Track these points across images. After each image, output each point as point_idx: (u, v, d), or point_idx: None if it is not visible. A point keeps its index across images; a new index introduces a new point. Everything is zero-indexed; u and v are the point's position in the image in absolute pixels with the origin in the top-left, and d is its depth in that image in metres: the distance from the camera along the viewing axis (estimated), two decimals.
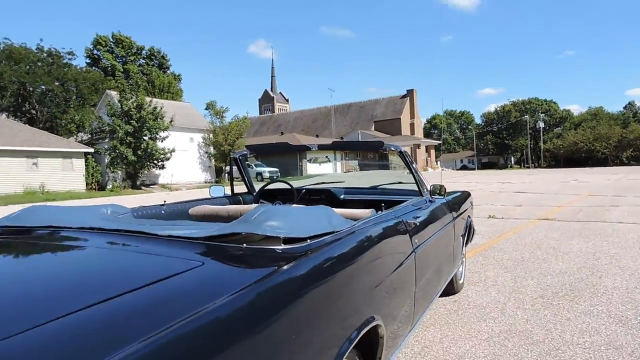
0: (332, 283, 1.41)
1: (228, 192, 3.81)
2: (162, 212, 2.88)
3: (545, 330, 3.09)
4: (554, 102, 73.30)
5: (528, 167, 61.96)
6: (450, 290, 3.82)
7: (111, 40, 49.54)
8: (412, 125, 60.56)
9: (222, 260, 1.33)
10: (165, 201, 2.99)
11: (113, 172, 28.30)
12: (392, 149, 2.98)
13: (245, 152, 3.56)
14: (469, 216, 4.03)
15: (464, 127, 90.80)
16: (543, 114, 67.91)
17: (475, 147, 74.08)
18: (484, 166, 70.98)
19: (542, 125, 63.84)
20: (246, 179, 3.71)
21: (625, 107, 77.55)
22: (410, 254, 2.12)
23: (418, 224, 2.36)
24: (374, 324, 1.56)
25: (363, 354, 1.66)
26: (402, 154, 2.95)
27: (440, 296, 3.76)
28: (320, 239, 1.48)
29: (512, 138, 70.62)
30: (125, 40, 49.82)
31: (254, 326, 1.04)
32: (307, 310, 1.27)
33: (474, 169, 62.16)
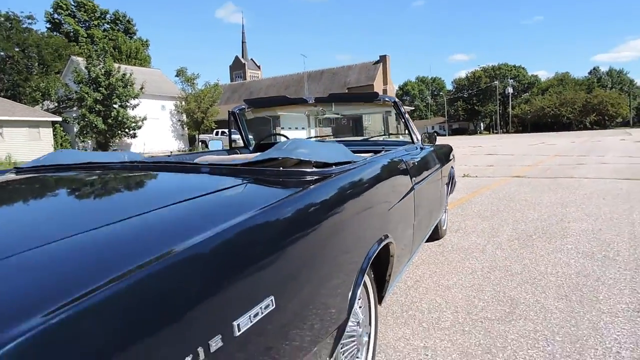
0: (354, 202, 1.61)
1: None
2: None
3: (522, 265, 3.43)
4: (523, 68, 74.66)
5: (497, 133, 63.49)
6: (435, 235, 4.13)
7: (72, 3, 47.22)
8: (385, 91, 60.33)
9: (263, 180, 1.51)
10: (171, 152, 3.13)
11: (83, 141, 27.65)
12: (387, 99, 3.19)
13: (243, 107, 3.68)
14: (452, 167, 4.31)
15: (436, 93, 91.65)
16: (512, 80, 69.20)
17: (446, 113, 75.13)
18: (454, 132, 72.26)
19: (510, 91, 65.14)
20: (244, 133, 3.85)
21: (590, 73, 79.68)
22: (410, 189, 2.35)
23: (416, 163, 2.60)
24: (388, 240, 1.79)
25: (375, 272, 1.90)
26: (395, 104, 3.16)
27: (426, 241, 4.08)
28: (342, 166, 1.69)
29: (482, 104, 71.91)
30: (87, 3, 47.58)
31: (291, 233, 1.19)
32: (335, 222, 1.45)
33: (444, 135, 63.26)
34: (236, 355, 0.87)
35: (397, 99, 3.15)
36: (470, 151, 18.74)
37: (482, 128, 75.41)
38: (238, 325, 0.85)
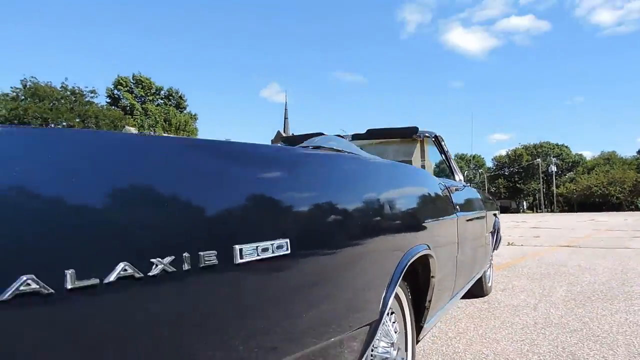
0: (394, 195, 1.44)
1: None
2: None
3: (582, 322, 3.03)
4: (566, 146, 73.33)
5: (541, 212, 61.25)
6: (479, 292, 3.78)
7: (131, 80, 51.30)
8: (422, 167, 60.48)
9: None
10: None
11: None
12: (427, 134, 3.06)
13: (279, 145, 3.63)
14: (496, 216, 4.03)
15: (475, 171, 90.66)
16: (555, 158, 67.88)
17: (487, 190, 73.55)
18: None
19: (554, 169, 63.60)
20: None
21: (638, 152, 77.12)
22: (453, 214, 2.15)
23: (458, 190, 2.40)
24: (427, 252, 1.57)
25: (413, 294, 1.67)
26: (437, 139, 3.02)
27: (468, 298, 3.74)
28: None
29: (524, 182, 70.30)
30: (145, 81, 51.53)
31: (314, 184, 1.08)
32: (372, 212, 1.28)
33: None
34: (238, 287, 0.70)
35: (437, 134, 3.02)
36: (514, 224, 17.99)
37: (525, 206, 73.05)
38: (240, 250, 0.69)
